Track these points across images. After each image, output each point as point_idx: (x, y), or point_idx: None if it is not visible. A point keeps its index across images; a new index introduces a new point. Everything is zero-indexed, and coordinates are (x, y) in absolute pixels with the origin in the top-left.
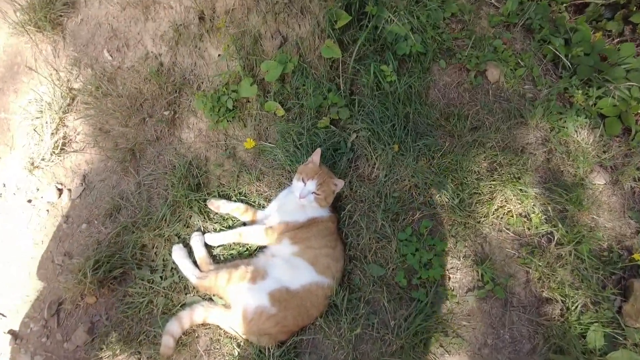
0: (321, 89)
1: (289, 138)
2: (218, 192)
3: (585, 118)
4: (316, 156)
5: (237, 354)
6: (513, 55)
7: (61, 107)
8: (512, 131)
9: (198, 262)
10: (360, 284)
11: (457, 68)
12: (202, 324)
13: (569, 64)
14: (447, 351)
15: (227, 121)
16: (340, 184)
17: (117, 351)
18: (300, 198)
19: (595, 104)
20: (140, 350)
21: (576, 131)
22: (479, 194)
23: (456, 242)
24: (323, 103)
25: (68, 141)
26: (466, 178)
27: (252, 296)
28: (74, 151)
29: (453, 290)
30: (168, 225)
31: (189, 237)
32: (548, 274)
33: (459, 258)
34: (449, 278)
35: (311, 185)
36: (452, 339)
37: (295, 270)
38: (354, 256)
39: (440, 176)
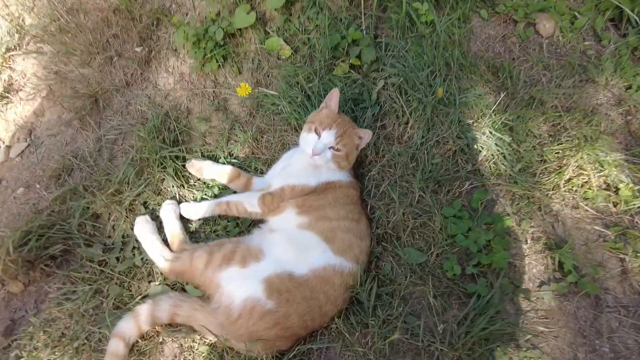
0: (338, 26)
1: (295, 86)
2: (202, 153)
3: None
4: (333, 98)
5: None
6: (568, 8)
7: (7, 45)
8: (577, 90)
9: (169, 240)
10: (393, 273)
11: (501, 20)
12: (169, 324)
13: (636, 18)
14: None
15: (217, 62)
16: (366, 136)
17: None
18: (314, 155)
19: None
20: None
21: None
22: (544, 161)
23: (520, 221)
24: (341, 43)
25: (14, 88)
26: (525, 141)
27: (241, 284)
28: (20, 100)
29: (522, 283)
30: (131, 189)
31: (160, 208)
32: None
33: (525, 241)
34: (515, 267)
35: (328, 136)
36: (526, 351)
37: (303, 249)
38: (383, 237)
39: (493, 137)
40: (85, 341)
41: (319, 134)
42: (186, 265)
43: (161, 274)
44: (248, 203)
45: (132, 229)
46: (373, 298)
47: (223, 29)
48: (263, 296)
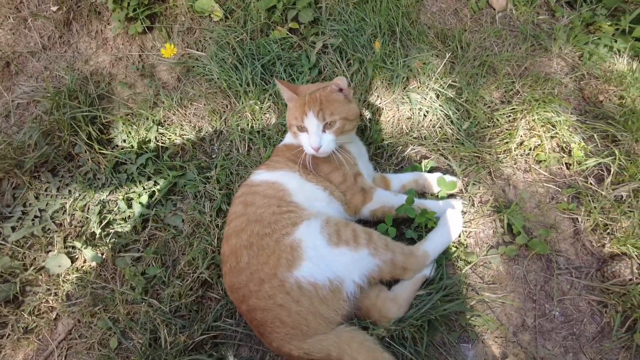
0: None
1: (227, 48)
2: (124, 121)
3: (623, 43)
4: (283, 87)
5: None
6: None
7: None
8: (530, 57)
9: None
10: None
11: None
12: None
13: None
14: (464, 338)
15: (142, 24)
16: (342, 82)
17: None
18: (318, 152)
19: (629, 32)
20: None
21: (613, 57)
22: (494, 125)
23: (467, 185)
24: (277, 5)
25: None
26: (475, 106)
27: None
28: None
29: (467, 247)
30: (34, 150)
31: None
32: (607, 223)
33: (473, 204)
34: (461, 232)
35: (311, 123)
36: (470, 318)
37: None
38: None
39: (438, 101)
40: None
41: (305, 130)
42: None
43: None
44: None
45: (36, 197)
46: None
47: None
48: None
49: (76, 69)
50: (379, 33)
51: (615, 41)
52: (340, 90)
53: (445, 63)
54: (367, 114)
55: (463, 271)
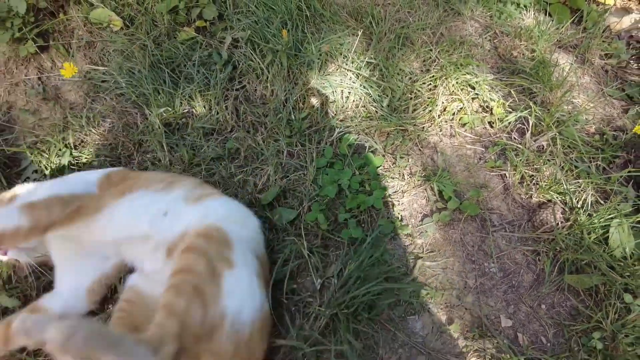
0: None
1: (132, 58)
2: (32, 151)
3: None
4: None
5: None
6: None
7: None
8: (443, 23)
9: None
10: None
11: None
12: None
13: None
14: (410, 311)
15: (34, 44)
16: None
17: None
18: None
19: None
20: None
21: (520, 13)
22: (416, 96)
23: (395, 159)
24: (179, 5)
25: None
26: (392, 80)
27: (244, 285)
28: None
29: (402, 220)
30: None
31: None
32: (532, 174)
33: (402, 177)
34: (393, 205)
35: None
36: (414, 291)
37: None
38: (252, 202)
39: (359, 81)
40: None
41: None
42: (181, 335)
43: None
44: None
45: None
46: None
47: (27, 1)
48: (263, 292)
49: None
50: (289, 19)
51: None
52: None
53: (359, 41)
54: (290, 104)
55: (401, 245)
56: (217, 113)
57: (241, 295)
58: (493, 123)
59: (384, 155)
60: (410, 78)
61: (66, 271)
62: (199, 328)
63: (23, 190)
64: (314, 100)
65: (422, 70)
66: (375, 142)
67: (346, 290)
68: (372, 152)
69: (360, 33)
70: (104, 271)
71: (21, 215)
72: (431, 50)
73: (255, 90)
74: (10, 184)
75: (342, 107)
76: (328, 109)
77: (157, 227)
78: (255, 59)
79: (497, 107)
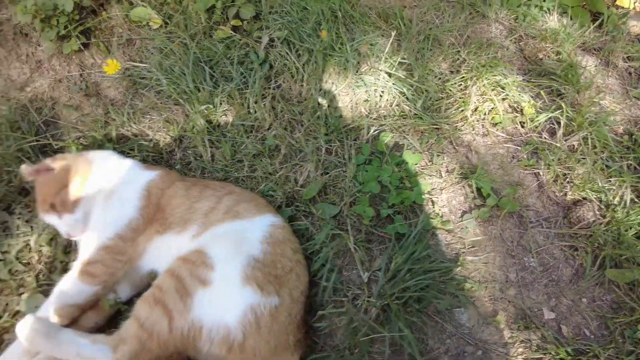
0: None
1: (172, 55)
2: (76, 146)
3: (551, 1)
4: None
5: None
6: None
7: None
8: (470, 25)
9: None
10: (309, 232)
11: None
12: None
13: None
14: (456, 304)
15: (77, 42)
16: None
17: None
18: (71, 237)
19: None
20: None
21: (544, 16)
22: (448, 96)
23: (431, 157)
24: (216, 4)
25: None
26: (426, 80)
27: (224, 301)
28: None
29: (442, 216)
30: None
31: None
32: (565, 173)
33: (440, 175)
34: (433, 203)
35: (42, 213)
36: (459, 284)
37: (229, 235)
38: (293, 197)
39: (392, 79)
40: None
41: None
42: (144, 339)
43: None
44: (70, 294)
45: None
46: None
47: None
48: (258, 296)
49: (12, 98)
50: (323, 20)
51: (544, 0)
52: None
53: (392, 42)
54: (325, 102)
55: (443, 240)
56: (255, 111)
57: (219, 308)
58: (524, 123)
59: (421, 153)
60: (440, 78)
61: None
62: (167, 335)
63: (97, 158)
64: (349, 99)
65: (451, 71)
66: (411, 140)
67: (396, 283)
68: (409, 149)
69: (393, 34)
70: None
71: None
72: (459, 51)
73: (291, 88)
74: None
75: (376, 105)
76: (362, 108)
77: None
78: (290, 58)
79: (528, 107)
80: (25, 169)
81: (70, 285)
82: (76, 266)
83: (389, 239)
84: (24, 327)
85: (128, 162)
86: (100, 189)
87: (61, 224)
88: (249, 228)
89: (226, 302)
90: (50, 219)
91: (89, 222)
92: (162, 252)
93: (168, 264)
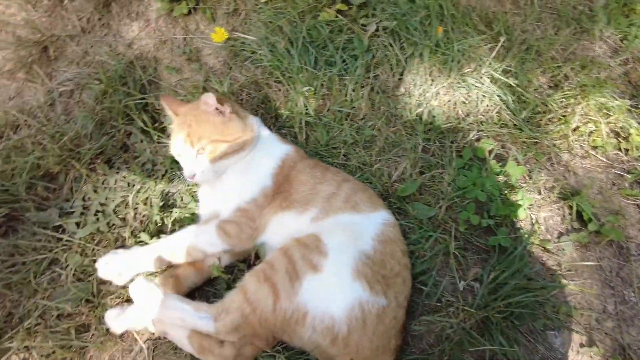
0: None
1: (277, 31)
2: None
3: None
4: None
5: None
6: None
7: None
8: (574, 41)
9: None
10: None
11: None
12: None
13: None
14: (549, 326)
15: (187, 5)
16: (208, 99)
17: None
18: (193, 179)
19: None
20: (31, 345)
21: None
22: (548, 111)
23: (529, 171)
24: None
25: None
26: (528, 91)
27: (332, 291)
28: None
29: (539, 234)
30: (90, 141)
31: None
32: None
33: (538, 191)
34: (531, 219)
35: (182, 148)
36: (554, 306)
37: (346, 227)
38: (387, 191)
39: (495, 85)
40: (40, 320)
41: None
42: (247, 313)
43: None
44: (205, 243)
45: (94, 191)
46: None
47: None
48: (367, 293)
49: (119, 53)
50: (432, 14)
51: None
52: (217, 109)
53: (491, 47)
54: (431, 103)
55: (539, 259)
56: (353, 100)
57: (326, 297)
58: (629, 150)
59: (523, 166)
60: (538, 91)
61: None
62: (270, 314)
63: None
64: (448, 99)
65: (549, 86)
66: (514, 153)
67: (499, 296)
68: (513, 160)
69: (502, 39)
70: None
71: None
72: (560, 66)
73: (388, 80)
74: (161, 135)
75: (475, 109)
76: (460, 109)
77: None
78: (393, 50)
79: (636, 134)
80: (211, 96)
81: (207, 236)
82: (214, 221)
83: (484, 250)
84: (136, 288)
85: (267, 132)
86: (245, 154)
87: (192, 163)
88: (364, 223)
89: (334, 292)
90: (186, 154)
91: (219, 180)
92: (279, 230)
93: (280, 237)
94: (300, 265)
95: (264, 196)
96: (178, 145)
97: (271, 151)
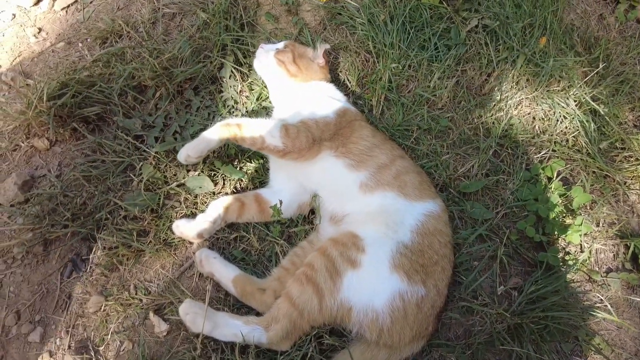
0: None
1: (380, 3)
2: None
3: None
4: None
5: None
6: None
7: None
8: None
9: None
10: (453, 224)
11: None
12: None
13: None
14: (576, 352)
15: None
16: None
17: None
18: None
19: None
20: (98, 235)
21: None
22: (627, 149)
23: (593, 202)
24: None
25: None
26: (608, 124)
27: (372, 286)
28: None
29: (588, 265)
30: (184, 64)
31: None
32: None
33: (597, 222)
34: (582, 247)
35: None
36: (587, 335)
37: (388, 215)
38: (449, 184)
39: (579, 110)
40: (108, 216)
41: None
42: (295, 317)
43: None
44: (267, 132)
45: (176, 112)
46: None
47: None
48: (405, 284)
49: None
50: (536, 24)
51: None
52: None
53: (594, 73)
54: (512, 111)
55: (584, 287)
56: (436, 88)
57: (368, 290)
58: None
59: (590, 194)
60: (622, 126)
61: (283, 184)
62: (317, 314)
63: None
64: (529, 111)
65: (635, 125)
66: (583, 180)
67: (536, 307)
68: (580, 186)
69: (601, 65)
70: (302, 199)
71: (278, 134)
72: None
73: (475, 78)
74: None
75: (553, 128)
76: (537, 125)
77: (341, 197)
78: (487, 50)
79: None
80: (323, 45)
81: (271, 126)
82: (281, 120)
83: (529, 263)
84: (186, 310)
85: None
86: (316, 92)
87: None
88: (405, 213)
89: (374, 286)
90: (272, 68)
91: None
92: (329, 178)
93: (331, 193)
94: (339, 263)
95: (325, 123)
96: (264, 56)
97: (336, 99)
